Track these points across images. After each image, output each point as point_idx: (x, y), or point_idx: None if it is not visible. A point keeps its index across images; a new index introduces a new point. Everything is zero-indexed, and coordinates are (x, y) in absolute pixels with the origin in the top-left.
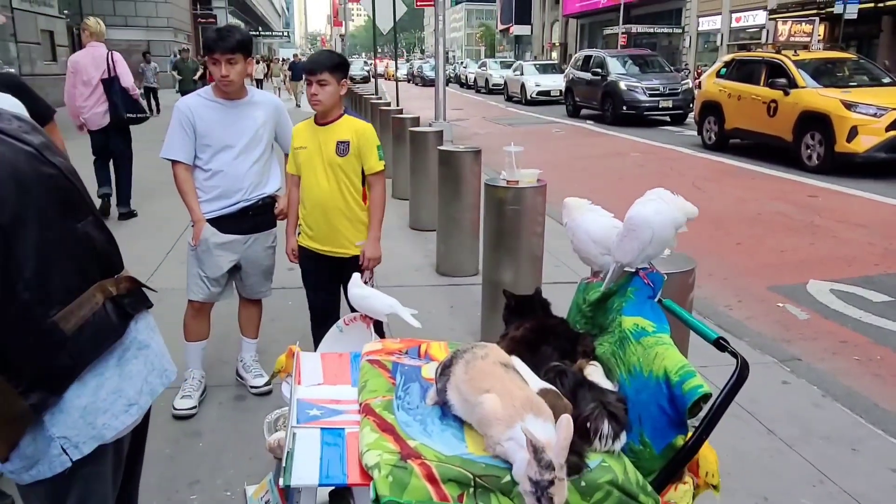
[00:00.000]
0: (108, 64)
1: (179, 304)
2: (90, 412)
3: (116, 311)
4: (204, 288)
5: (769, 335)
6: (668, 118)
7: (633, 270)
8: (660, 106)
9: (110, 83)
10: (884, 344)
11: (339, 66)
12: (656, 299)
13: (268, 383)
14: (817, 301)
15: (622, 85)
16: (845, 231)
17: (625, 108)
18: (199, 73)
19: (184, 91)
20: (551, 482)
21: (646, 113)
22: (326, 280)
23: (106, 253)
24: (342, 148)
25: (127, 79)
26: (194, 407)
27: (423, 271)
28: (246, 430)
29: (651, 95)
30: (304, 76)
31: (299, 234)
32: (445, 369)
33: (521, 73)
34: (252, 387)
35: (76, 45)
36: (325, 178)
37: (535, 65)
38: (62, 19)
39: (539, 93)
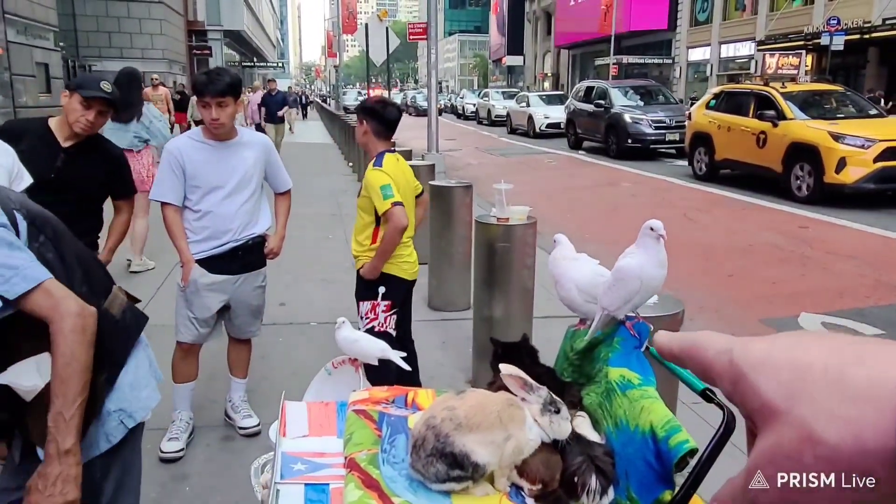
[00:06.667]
0: (262, 97)
1: (169, 343)
2: (135, 387)
3: (132, 307)
4: (193, 329)
5: None
6: (673, 150)
7: (620, 320)
8: (666, 139)
9: (261, 105)
10: None
11: (361, 108)
12: (643, 349)
13: (257, 424)
14: None
15: (627, 117)
16: (836, 262)
17: (630, 140)
18: None
19: None
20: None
21: (652, 146)
22: None
23: (104, 268)
24: (359, 190)
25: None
26: (182, 449)
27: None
28: (234, 473)
29: (657, 128)
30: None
31: None
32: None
33: (528, 105)
34: (241, 428)
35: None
36: (358, 215)
37: (540, 96)
38: (58, 52)
39: (549, 125)
